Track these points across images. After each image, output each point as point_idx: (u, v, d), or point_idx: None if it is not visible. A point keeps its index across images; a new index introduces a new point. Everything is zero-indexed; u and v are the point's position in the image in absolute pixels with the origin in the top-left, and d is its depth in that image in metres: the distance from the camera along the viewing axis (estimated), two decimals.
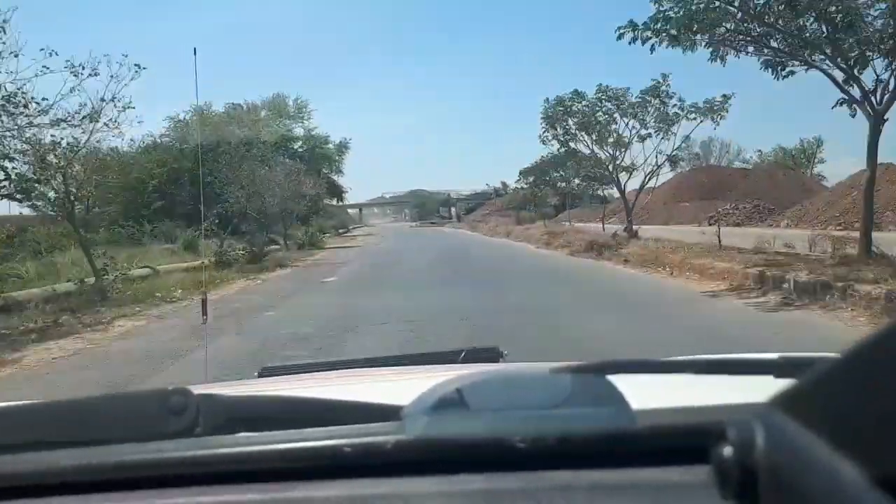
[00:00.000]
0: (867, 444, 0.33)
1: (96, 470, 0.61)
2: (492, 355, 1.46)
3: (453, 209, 68.85)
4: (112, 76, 9.97)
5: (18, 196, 10.88)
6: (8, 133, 9.68)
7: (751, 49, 9.92)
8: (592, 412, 0.59)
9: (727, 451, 0.40)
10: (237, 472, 0.59)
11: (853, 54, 8.92)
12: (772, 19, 9.25)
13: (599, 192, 52.61)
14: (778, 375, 0.63)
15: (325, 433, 0.61)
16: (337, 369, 1.50)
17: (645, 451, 0.55)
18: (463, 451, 0.57)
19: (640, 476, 0.54)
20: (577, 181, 45.74)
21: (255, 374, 1.54)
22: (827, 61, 9.28)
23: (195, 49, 2.79)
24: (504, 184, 63.64)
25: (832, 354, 0.40)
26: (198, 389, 0.72)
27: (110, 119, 10.29)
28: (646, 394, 0.66)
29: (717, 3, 9.12)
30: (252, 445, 0.61)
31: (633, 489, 0.53)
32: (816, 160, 52.77)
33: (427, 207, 74.76)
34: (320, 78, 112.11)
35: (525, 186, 52.55)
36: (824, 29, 8.91)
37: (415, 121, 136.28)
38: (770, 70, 9.86)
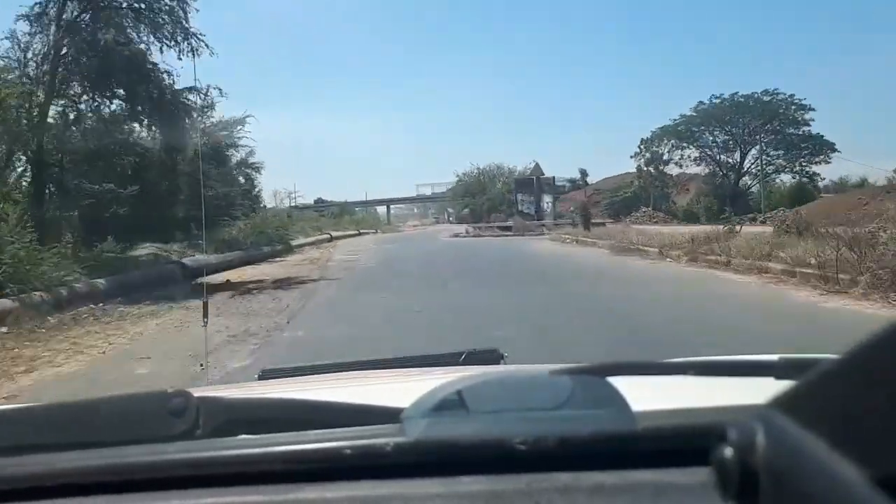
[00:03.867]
0: (867, 444, 0.33)
1: (96, 472, 0.61)
2: (492, 357, 1.46)
3: (547, 200, 35.13)
4: None
5: None
6: None
7: None
8: (592, 414, 0.59)
9: (728, 452, 0.40)
10: (237, 475, 0.59)
11: None
12: None
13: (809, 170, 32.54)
14: (778, 376, 0.63)
15: (325, 435, 0.61)
16: (337, 371, 1.49)
17: (645, 453, 0.55)
18: (463, 452, 0.57)
19: (640, 478, 0.54)
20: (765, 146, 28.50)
21: (256, 376, 1.54)
22: None
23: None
24: (584, 171, 40.02)
25: (832, 355, 0.40)
26: (198, 392, 0.72)
27: None
28: (646, 395, 0.66)
29: None
30: (252, 448, 0.61)
31: (633, 491, 0.53)
32: None
33: (488, 198, 40.83)
34: (349, 70, 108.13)
35: (645, 166, 33.71)
36: None
37: (454, 111, 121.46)
38: None
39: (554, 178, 36.85)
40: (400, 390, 1.03)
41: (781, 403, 0.39)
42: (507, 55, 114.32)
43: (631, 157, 37.60)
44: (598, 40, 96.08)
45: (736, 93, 36.46)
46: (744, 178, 35.19)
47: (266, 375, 1.52)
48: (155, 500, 0.58)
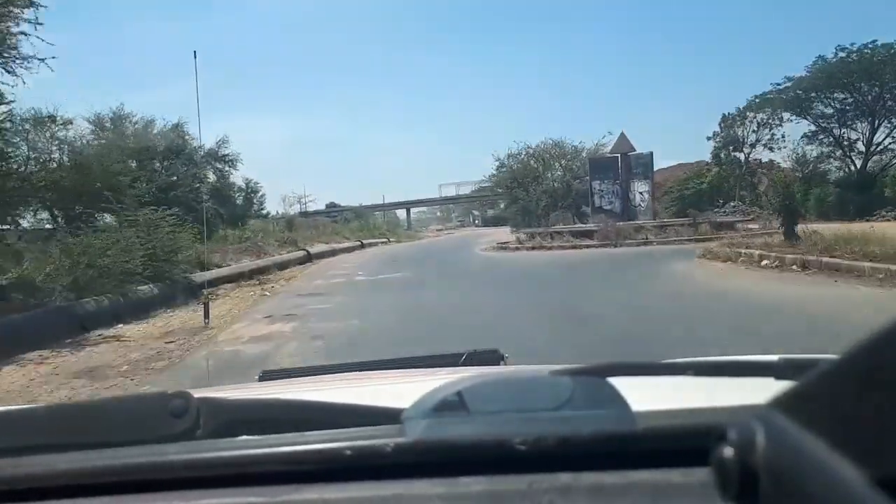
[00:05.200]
0: (867, 444, 0.33)
1: (97, 473, 0.61)
2: (492, 358, 1.46)
3: (641, 189, 22.04)
4: None
5: None
6: None
7: None
8: (593, 414, 0.59)
9: (728, 452, 0.40)
10: (238, 475, 0.59)
11: None
12: None
13: None
14: (778, 377, 0.63)
15: (326, 436, 0.61)
16: (337, 372, 1.50)
17: (645, 453, 0.55)
18: (463, 453, 0.57)
19: (640, 478, 0.54)
20: None
21: (256, 377, 1.54)
22: None
23: (195, 52, 2.77)
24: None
25: (832, 355, 0.40)
26: (198, 392, 0.72)
27: None
28: (646, 396, 0.66)
29: None
30: (252, 448, 0.61)
31: (633, 491, 0.53)
32: None
33: (545, 191, 26.67)
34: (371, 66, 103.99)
35: (720, 150, 24.50)
36: None
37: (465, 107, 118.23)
38: None
39: (652, 153, 22.72)
40: (400, 391, 1.03)
41: (781, 403, 0.39)
42: (520, 50, 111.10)
43: (708, 138, 27.76)
44: (625, 28, 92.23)
45: (873, 41, 24.39)
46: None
47: (266, 376, 1.52)
48: (155, 501, 0.58)
